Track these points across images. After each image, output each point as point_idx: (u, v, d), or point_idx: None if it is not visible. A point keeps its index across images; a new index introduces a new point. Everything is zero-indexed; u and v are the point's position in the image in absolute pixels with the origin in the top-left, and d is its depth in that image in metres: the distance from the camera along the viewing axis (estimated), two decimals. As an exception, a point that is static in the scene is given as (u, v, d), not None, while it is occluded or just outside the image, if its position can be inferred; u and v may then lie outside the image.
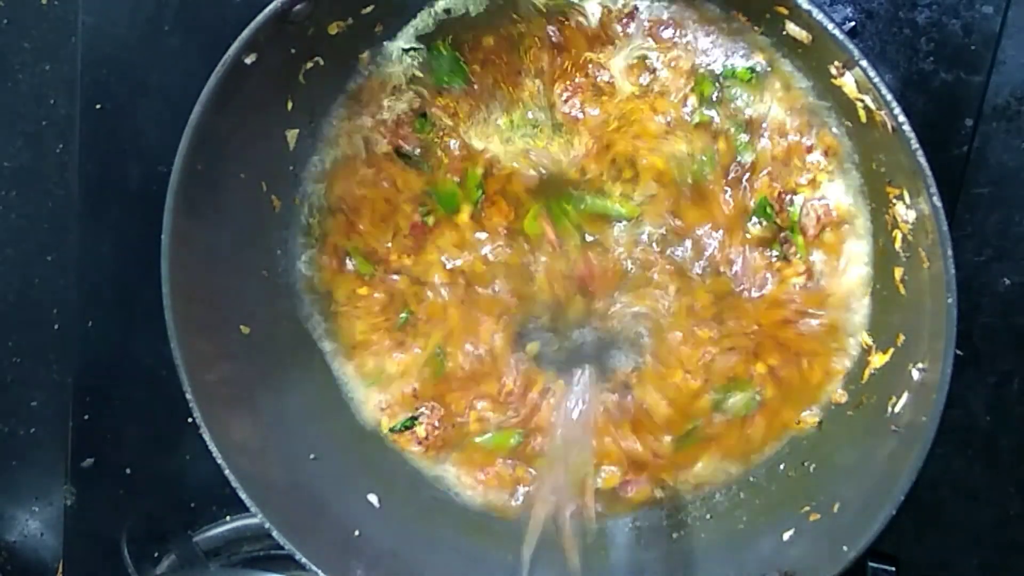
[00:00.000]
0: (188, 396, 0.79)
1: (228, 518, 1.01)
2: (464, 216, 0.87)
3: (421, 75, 0.85)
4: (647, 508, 0.89)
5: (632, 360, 0.86)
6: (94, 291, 0.99)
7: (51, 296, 1.03)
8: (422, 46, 0.84)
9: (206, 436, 0.80)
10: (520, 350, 0.88)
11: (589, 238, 0.85)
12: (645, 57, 0.82)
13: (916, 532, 0.88)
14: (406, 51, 0.85)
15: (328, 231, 0.90)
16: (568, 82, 0.83)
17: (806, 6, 0.69)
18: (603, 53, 0.82)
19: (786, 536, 0.81)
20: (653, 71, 0.82)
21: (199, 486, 1.01)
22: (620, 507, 0.89)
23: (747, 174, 0.81)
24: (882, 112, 0.69)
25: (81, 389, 1.01)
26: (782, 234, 0.82)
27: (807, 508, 0.81)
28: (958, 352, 0.67)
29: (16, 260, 1.03)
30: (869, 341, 0.81)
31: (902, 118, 0.66)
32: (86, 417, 1.01)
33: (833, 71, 0.74)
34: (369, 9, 0.82)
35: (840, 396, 0.83)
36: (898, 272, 0.77)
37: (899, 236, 0.76)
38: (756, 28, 0.78)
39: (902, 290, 0.77)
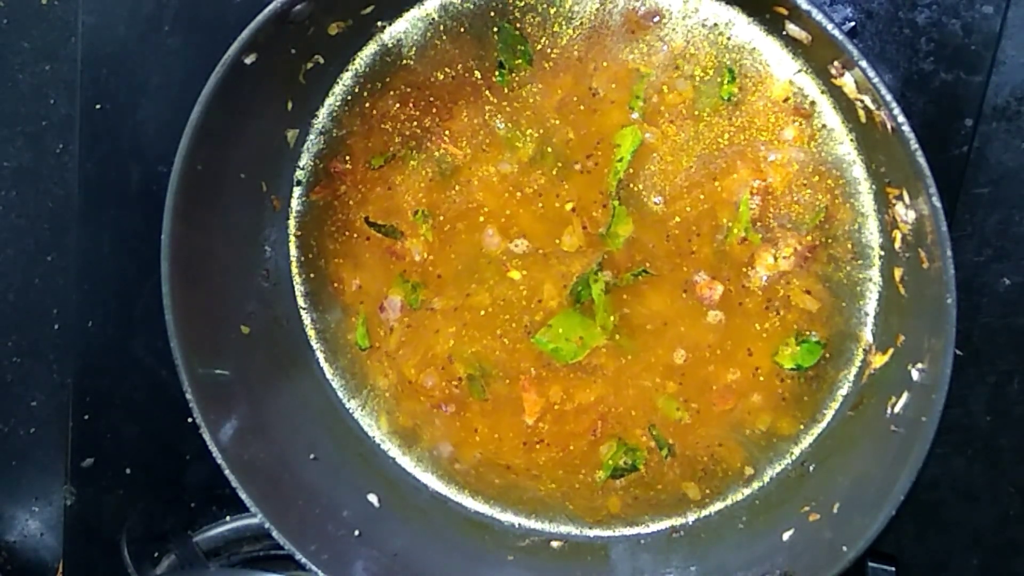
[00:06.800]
0: (188, 396, 0.79)
1: (228, 518, 1.00)
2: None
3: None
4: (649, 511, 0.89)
5: None
6: (94, 291, 0.99)
7: (51, 296, 1.03)
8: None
9: (206, 436, 0.80)
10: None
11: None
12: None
13: (916, 532, 0.88)
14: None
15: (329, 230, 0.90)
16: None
17: (806, 6, 0.69)
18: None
19: (786, 536, 0.81)
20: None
21: (199, 486, 1.00)
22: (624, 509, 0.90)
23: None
24: (882, 112, 0.69)
25: (81, 389, 1.01)
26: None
27: (807, 508, 0.81)
28: (958, 352, 0.67)
29: (16, 260, 1.03)
30: (869, 340, 0.81)
31: (902, 118, 0.66)
32: (86, 417, 1.01)
33: (833, 71, 0.74)
34: (369, 9, 0.82)
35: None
36: (898, 272, 0.77)
37: (899, 236, 0.76)
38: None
39: (902, 290, 0.77)
